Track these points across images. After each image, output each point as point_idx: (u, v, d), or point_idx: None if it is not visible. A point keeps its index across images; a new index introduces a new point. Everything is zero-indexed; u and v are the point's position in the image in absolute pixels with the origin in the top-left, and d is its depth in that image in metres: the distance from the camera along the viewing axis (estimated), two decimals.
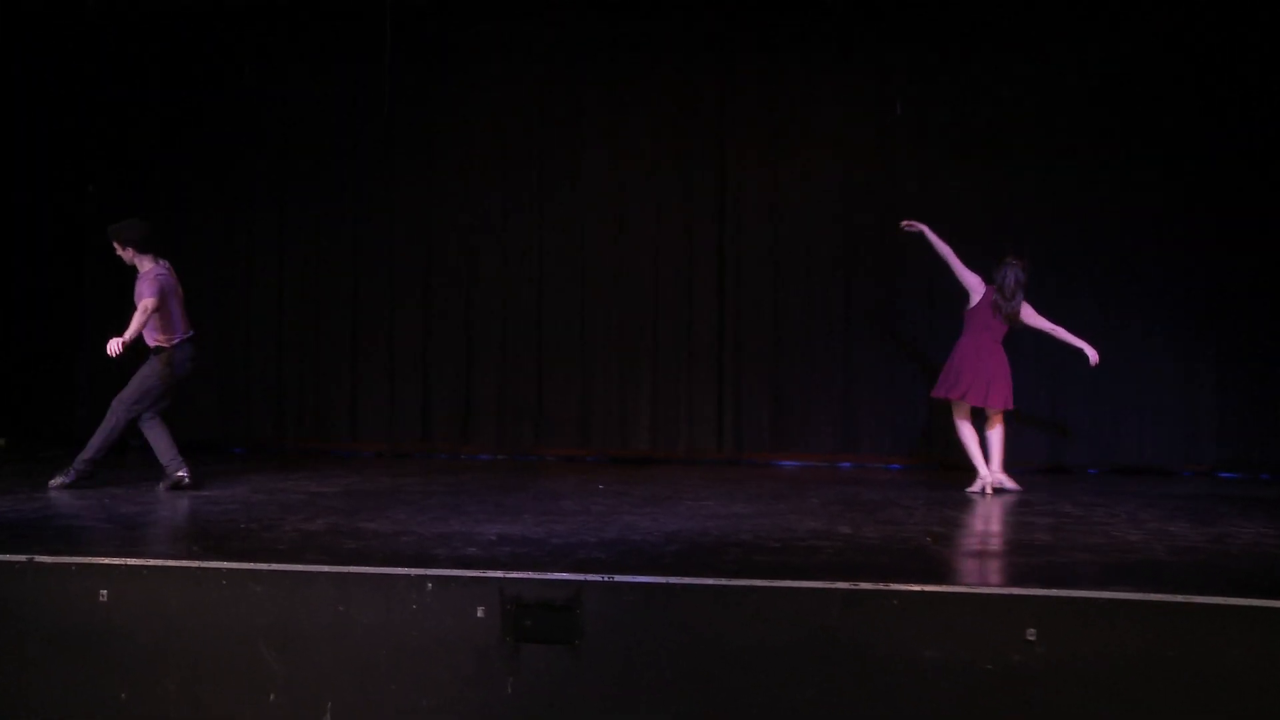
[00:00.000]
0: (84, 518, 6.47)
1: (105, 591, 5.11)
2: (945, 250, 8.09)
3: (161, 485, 7.60)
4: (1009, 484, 8.12)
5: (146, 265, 7.68)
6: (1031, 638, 4.69)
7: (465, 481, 8.43)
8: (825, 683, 4.74)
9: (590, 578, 4.94)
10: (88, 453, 7.60)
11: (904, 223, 8.22)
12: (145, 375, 7.64)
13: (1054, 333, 8.08)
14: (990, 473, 8.08)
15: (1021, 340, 8.45)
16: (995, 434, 8.16)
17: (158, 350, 7.62)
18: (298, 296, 10.44)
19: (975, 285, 8.05)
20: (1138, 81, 9.42)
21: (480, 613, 4.89)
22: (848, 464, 9.69)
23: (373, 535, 5.98)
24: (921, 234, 8.13)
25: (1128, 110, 9.44)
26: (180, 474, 7.60)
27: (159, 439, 7.65)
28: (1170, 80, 9.39)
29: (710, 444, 9.95)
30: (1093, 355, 7.98)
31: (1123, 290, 9.41)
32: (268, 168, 10.41)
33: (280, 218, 10.39)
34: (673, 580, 4.93)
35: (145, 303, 7.42)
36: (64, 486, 7.51)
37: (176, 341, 7.64)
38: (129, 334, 7.29)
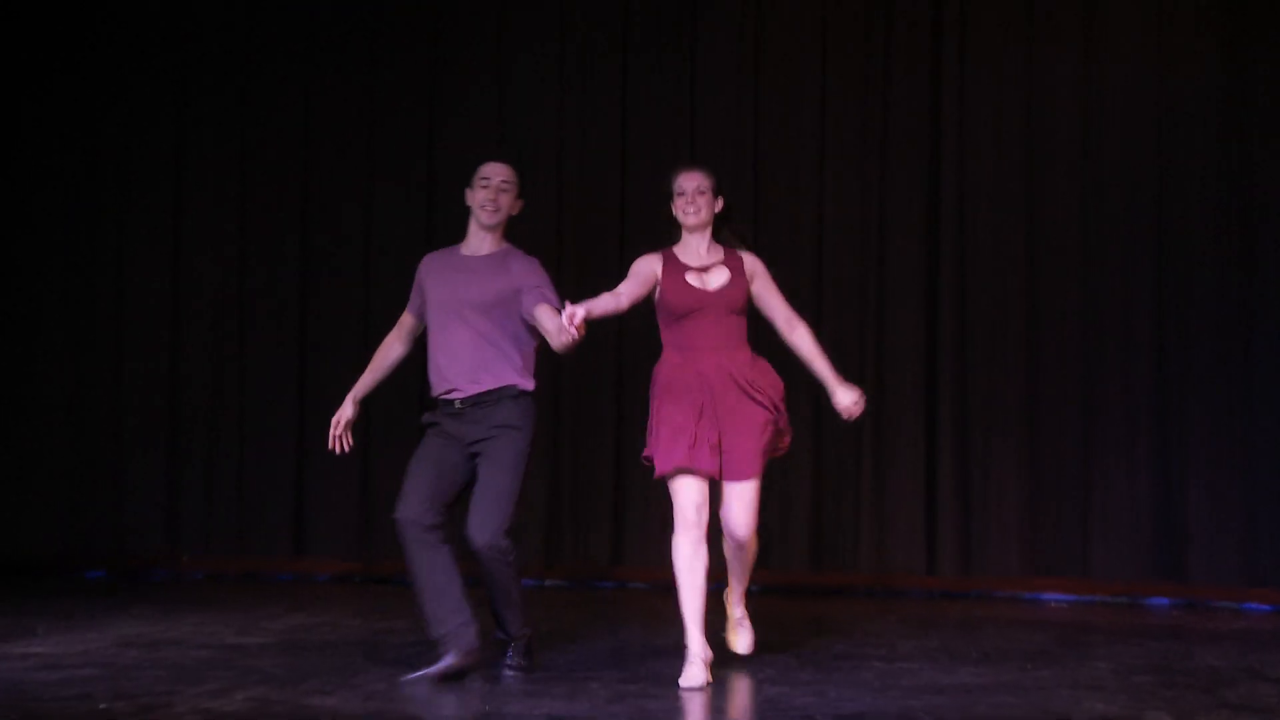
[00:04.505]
0: None
1: None
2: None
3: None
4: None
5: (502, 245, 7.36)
6: None
7: (492, 621, 8.45)
8: None
9: None
10: (515, 615, 7.24)
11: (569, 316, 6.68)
12: (521, 447, 7.16)
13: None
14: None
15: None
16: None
17: (520, 396, 7.19)
18: (202, 307, 10.71)
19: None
20: None
21: None
22: (1164, 600, 9.70)
23: (330, 719, 6.02)
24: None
25: None
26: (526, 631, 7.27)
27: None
28: None
29: (915, 562, 10.02)
30: None
31: None
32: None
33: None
34: None
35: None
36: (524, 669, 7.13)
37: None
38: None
